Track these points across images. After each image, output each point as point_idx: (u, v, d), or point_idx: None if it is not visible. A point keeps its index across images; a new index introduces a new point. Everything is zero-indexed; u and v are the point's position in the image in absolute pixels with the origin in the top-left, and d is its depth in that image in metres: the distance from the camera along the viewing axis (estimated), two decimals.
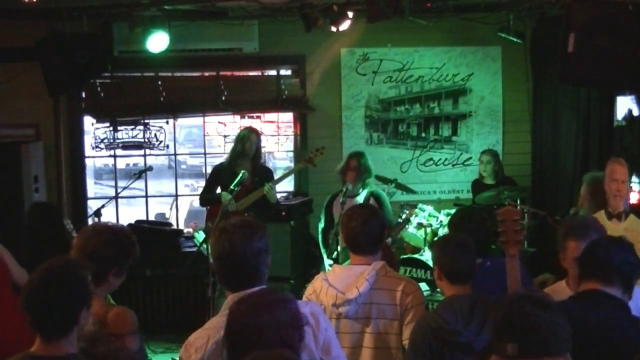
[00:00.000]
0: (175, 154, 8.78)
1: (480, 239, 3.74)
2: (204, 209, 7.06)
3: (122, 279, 3.18)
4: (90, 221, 7.90)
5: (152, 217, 9.04)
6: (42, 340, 2.56)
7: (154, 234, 7.31)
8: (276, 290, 2.49)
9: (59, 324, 2.55)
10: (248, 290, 2.70)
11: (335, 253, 5.73)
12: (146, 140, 7.76)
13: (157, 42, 6.77)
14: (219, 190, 6.72)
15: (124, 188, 7.04)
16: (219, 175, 6.73)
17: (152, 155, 8.63)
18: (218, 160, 7.39)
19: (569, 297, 2.96)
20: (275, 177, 6.87)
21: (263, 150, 8.29)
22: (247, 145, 6.65)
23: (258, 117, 8.09)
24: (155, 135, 7.78)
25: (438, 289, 5.14)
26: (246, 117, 8.02)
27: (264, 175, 6.72)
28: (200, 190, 7.32)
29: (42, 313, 2.54)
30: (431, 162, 8.11)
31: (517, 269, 3.16)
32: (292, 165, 8.59)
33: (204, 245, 5.88)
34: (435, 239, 6.70)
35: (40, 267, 2.62)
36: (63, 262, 2.66)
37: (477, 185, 7.44)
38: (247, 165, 6.61)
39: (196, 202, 8.25)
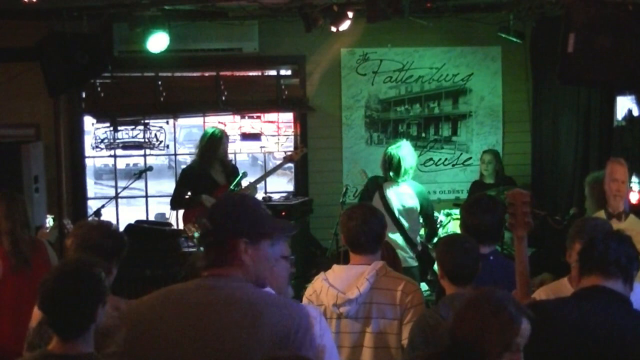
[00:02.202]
0: (175, 154, 8.78)
1: (493, 225, 3.73)
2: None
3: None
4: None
5: (152, 217, 9.04)
6: (59, 339, 2.60)
7: (154, 234, 7.31)
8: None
9: (76, 323, 2.59)
10: None
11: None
12: (146, 140, 7.76)
13: (157, 42, 6.77)
14: (189, 193, 6.70)
15: (124, 188, 7.04)
16: (191, 178, 6.68)
17: (152, 155, 8.63)
18: None
19: (571, 295, 2.98)
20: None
21: (263, 150, 8.34)
22: (220, 149, 6.65)
23: (258, 117, 8.09)
24: (155, 135, 7.78)
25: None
26: (246, 117, 8.02)
27: (235, 174, 6.75)
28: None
29: (59, 313, 2.58)
30: (431, 162, 8.11)
31: (525, 251, 3.17)
32: (291, 165, 8.58)
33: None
34: (435, 239, 6.71)
35: (54, 267, 2.65)
36: (76, 261, 2.69)
37: (477, 186, 7.44)
38: (216, 165, 6.61)
39: None
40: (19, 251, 4.39)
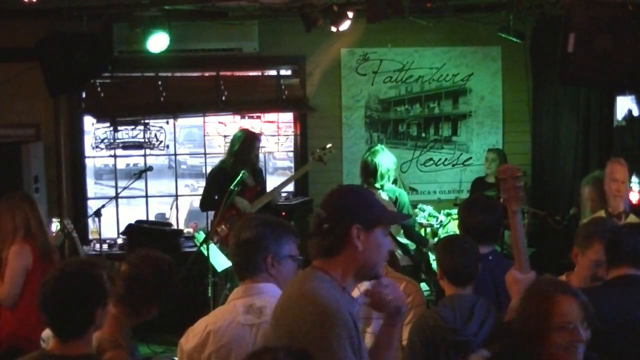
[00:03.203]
0: (175, 154, 8.78)
1: (491, 225, 3.73)
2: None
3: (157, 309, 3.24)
4: (90, 221, 7.92)
5: (152, 217, 9.03)
6: (58, 340, 2.59)
7: (154, 234, 7.31)
8: None
9: (74, 324, 2.58)
10: (248, 281, 2.74)
11: None
12: (146, 140, 7.76)
13: (157, 42, 6.77)
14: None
15: (124, 188, 7.04)
16: (222, 179, 6.56)
17: (152, 155, 8.63)
18: (218, 160, 7.33)
19: (602, 283, 3.11)
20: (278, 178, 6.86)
21: (263, 150, 8.34)
22: (253, 154, 6.64)
23: (258, 117, 8.09)
24: (155, 135, 7.78)
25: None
26: (246, 117, 8.02)
27: (261, 177, 6.82)
28: (200, 190, 7.29)
29: (57, 313, 2.57)
30: (431, 162, 8.11)
31: (520, 225, 3.15)
32: (292, 165, 8.58)
33: (204, 245, 5.88)
34: (436, 239, 6.71)
35: (56, 266, 2.65)
36: (78, 261, 2.68)
37: (478, 184, 7.44)
38: (247, 167, 6.59)
39: (196, 202, 8.19)
40: (47, 246, 4.63)
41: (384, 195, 5.91)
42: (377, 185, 5.90)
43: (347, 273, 2.36)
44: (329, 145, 6.86)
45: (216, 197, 6.55)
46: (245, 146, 6.61)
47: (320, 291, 2.29)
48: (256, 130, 7.02)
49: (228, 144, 6.92)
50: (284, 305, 2.37)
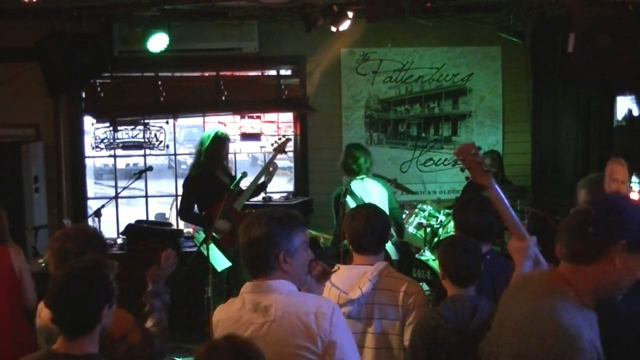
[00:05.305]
0: (175, 154, 8.77)
1: (487, 224, 3.72)
2: None
3: None
4: (90, 221, 7.91)
5: (152, 217, 9.03)
6: (64, 338, 2.60)
7: (154, 233, 7.31)
8: None
9: (81, 322, 2.59)
10: (261, 278, 2.70)
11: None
12: (146, 140, 7.76)
13: (157, 42, 6.78)
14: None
15: (124, 188, 7.04)
16: (199, 184, 6.35)
17: (152, 155, 8.63)
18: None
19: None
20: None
21: (263, 150, 8.34)
22: (224, 149, 6.55)
23: (258, 117, 8.09)
24: (155, 135, 7.78)
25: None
26: (246, 117, 8.02)
27: (233, 177, 6.64)
28: None
29: (64, 310, 2.57)
30: (431, 162, 8.11)
31: (499, 196, 3.00)
32: (291, 165, 8.58)
33: (204, 245, 5.87)
34: (436, 239, 6.72)
35: (65, 264, 2.66)
36: (88, 260, 2.68)
37: (472, 186, 7.42)
38: (220, 166, 6.51)
39: None
40: None
41: (370, 184, 6.16)
42: (358, 178, 6.19)
43: (591, 287, 2.20)
44: (283, 136, 6.95)
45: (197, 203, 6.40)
46: (216, 144, 6.42)
47: (562, 312, 2.13)
48: (226, 132, 6.86)
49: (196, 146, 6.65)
50: (518, 314, 2.22)
